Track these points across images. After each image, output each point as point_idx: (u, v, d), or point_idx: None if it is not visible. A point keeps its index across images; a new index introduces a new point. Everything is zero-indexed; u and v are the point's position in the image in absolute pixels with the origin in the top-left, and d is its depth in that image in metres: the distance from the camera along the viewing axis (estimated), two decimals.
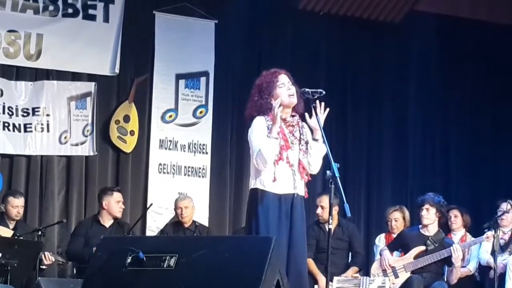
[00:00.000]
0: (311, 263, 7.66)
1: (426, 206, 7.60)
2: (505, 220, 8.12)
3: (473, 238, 8.07)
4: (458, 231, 8.36)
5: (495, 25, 10.16)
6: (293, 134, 5.29)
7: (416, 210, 7.94)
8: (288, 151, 5.24)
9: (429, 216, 7.62)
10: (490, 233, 7.55)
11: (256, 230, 5.15)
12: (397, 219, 8.33)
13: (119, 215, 8.06)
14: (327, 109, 5.25)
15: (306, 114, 5.26)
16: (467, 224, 8.44)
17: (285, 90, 5.27)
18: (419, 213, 7.67)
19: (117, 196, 8.07)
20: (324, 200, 7.82)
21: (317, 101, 5.23)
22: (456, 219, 8.38)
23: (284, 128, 5.26)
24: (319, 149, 5.29)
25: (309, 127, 5.32)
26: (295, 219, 5.22)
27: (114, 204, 8.02)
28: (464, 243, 7.95)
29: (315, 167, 5.34)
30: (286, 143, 5.23)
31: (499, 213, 8.05)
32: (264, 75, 5.37)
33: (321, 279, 7.75)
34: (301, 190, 5.29)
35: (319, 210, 7.99)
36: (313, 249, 7.81)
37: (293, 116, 5.33)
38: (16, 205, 7.84)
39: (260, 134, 5.19)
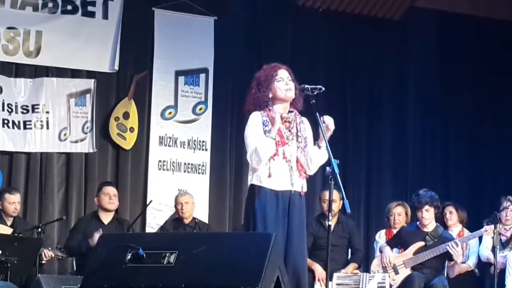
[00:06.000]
0: None
1: (426, 207, 7.60)
2: (509, 219, 8.12)
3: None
4: (455, 227, 8.36)
5: (495, 22, 10.15)
6: (289, 130, 5.25)
7: (413, 209, 7.93)
8: (284, 147, 5.22)
9: (429, 216, 7.64)
10: (488, 227, 7.56)
11: (254, 226, 5.14)
12: (400, 214, 8.33)
13: (109, 207, 8.03)
14: (332, 129, 5.22)
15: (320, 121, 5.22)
16: (463, 220, 8.44)
17: (282, 84, 5.25)
18: (418, 214, 7.66)
19: (105, 189, 8.07)
20: (333, 194, 7.74)
21: (326, 120, 5.19)
22: (452, 215, 8.39)
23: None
24: (320, 156, 5.25)
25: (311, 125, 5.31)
26: (293, 216, 5.20)
27: (102, 197, 8.04)
28: (462, 237, 7.95)
29: (312, 171, 5.33)
30: (281, 138, 5.19)
31: (500, 209, 8.05)
32: (265, 68, 5.35)
33: (317, 268, 7.76)
34: (299, 187, 5.26)
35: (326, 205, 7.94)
36: (308, 245, 7.77)
37: (290, 111, 5.32)
38: (13, 201, 7.83)
39: (256, 131, 5.16)
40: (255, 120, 5.21)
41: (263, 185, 5.18)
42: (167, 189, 9.03)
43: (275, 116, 5.10)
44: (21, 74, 8.75)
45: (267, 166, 5.17)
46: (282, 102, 5.26)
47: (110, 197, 8.04)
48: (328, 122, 5.18)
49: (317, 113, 5.17)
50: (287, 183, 5.21)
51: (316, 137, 5.31)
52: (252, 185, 5.22)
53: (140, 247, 4.59)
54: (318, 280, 7.80)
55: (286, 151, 5.22)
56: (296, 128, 5.28)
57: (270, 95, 5.24)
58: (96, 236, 7.54)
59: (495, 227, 7.50)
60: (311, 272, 7.74)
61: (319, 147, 5.24)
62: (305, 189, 5.30)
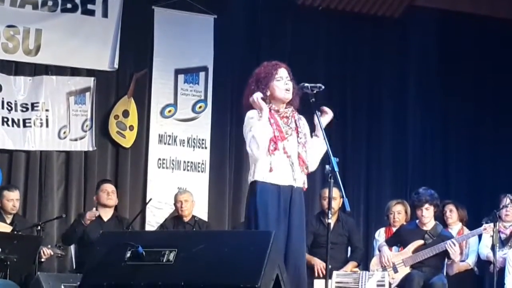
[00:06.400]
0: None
1: (426, 206, 7.60)
2: (509, 215, 8.12)
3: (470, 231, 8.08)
4: (455, 226, 8.36)
5: (496, 20, 10.14)
6: (288, 125, 5.26)
7: (413, 208, 7.94)
8: (284, 142, 5.22)
9: (429, 214, 7.64)
10: (487, 225, 7.56)
11: (255, 224, 5.13)
12: (400, 212, 8.33)
13: (107, 203, 8.08)
14: (331, 114, 5.25)
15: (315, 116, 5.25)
16: (463, 218, 8.44)
17: (282, 84, 5.26)
18: (418, 212, 7.67)
19: (103, 186, 8.14)
20: (334, 191, 7.75)
21: (322, 107, 5.22)
22: (452, 213, 8.39)
23: (278, 119, 5.23)
24: (318, 146, 5.27)
25: (309, 123, 5.32)
26: (294, 213, 5.20)
27: (101, 194, 8.11)
28: (462, 236, 7.96)
29: (313, 166, 5.33)
30: (280, 133, 5.19)
31: (500, 207, 8.06)
32: (265, 65, 5.35)
33: (316, 261, 7.77)
34: (300, 182, 5.27)
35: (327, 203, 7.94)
36: (308, 243, 7.79)
37: (287, 107, 5.32)
38: (11, 198, 7.84)
39: (252, 124, 5.19)
40: (251, 117, 5.21)
41: (264, 180, 5.17)
42: (167, 187, 9.03)
43: (256, 102, 5.13)
44: (20, 72, 8.75)
45: (268, 161, 5.16)
46: (279, 101, 5.26)
47: (108, 193, 8.10)
48: (326, 109, 5.23)
49: (317, 111, 5.19)
50: (289, 178, 5.20)
51: (312, 132, 5.34)
52: (254, 182, 5.21)
53: (140, 245, 4.58)
54: (318, 272, 7.80)
55: (286, 146, 5.22)
56: (296, 124, 5.29)
57: (268, 93, 5.25)
58: (88, 215, 7.74)
59: (494, 226, 7.50)
60: (310, 268, 7.74)
61: (317, 136, 5.26)
62: (306, 185, 5.31)
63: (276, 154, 5.18)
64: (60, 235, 8.22)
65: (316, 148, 5.27)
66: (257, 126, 5.13)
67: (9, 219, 7.84)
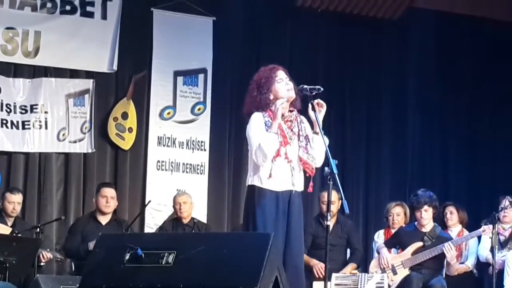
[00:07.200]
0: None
1: (425, 207, 7.61)
2: (507, 216, 8.13)
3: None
4: (455, 228, 8.36)
5: (494, 22, 10.15)
6: (291, 130, 5.28)
7: (411, 210, 7.95)
8: (286, 147, 5.23)
9: (428, 216, 7.65)
10: (486, 227, 7.56)
11: (253, 227, 5.15)
12: (399, 214, 8.34)
13: (105, 210, 8.03)
14: (324, 107, 5.26)
15: (310, 106, 5.25)
16: (463, 220, 8.44)
17: (283, 85, 5.28)
18: (416, 214, 7.68)
19: (103, 191, 8.08)
20: (333, 194, 7.75)
21: (316, 100, 5.23)
22: (452, 215, 8.39)
23: (282, 123, 5.25)
24: (320, 142, 5.27)
25: (309, 121, 5.32)
26: (292, 215, 5.22)
27: (100, 199, 8.05)
28: (461, 237, 7.97)
29: (318, 160, 5.32)
30: (284, 139, 5.22)
31: (499, 209, 8.06)
32: (262, 70, 5.37)
33: (315, 263, 7.77)
34: (300, 186, 5.28)
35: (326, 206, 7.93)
36: (307, 245, 7.80)
37: (291, 111, 5.33)
38: (12, 201, 7.83)
39: (258, 129, 5.19)
40: (257, 120, 5.22)
41: (263, 186, 5.18)
42: (166, 189, 9.03)
43: (276, 111, 5.12)
44: (19, 74, 8.75)
45: (268, 167, 5.18)
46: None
47: (107, 200, 8.03)
48: (320, 101, 5.22)
49: (316, 112, 5.20)
50: (288, 183, 5.22)
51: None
52: (252, 186, 5.23)
53: (139, 247, 4.59)
54: (316, 273, 7.80)
55: (288, 151, 5.24)
56: (298, 127, 5.30)
57: (271, 97, 5.26)
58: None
59: (493, 228, 7.50)
60: (309, 270, 7.74)
61: (316, 133, 5.25)
62: (310, 188, 5.32)
63: (278, 160, 5.20)
64: (62, 247, 8.12)
65: (318, 144, 5.27)
66: (266, 136, 5.14)
67: (10, 221, 7.84)
